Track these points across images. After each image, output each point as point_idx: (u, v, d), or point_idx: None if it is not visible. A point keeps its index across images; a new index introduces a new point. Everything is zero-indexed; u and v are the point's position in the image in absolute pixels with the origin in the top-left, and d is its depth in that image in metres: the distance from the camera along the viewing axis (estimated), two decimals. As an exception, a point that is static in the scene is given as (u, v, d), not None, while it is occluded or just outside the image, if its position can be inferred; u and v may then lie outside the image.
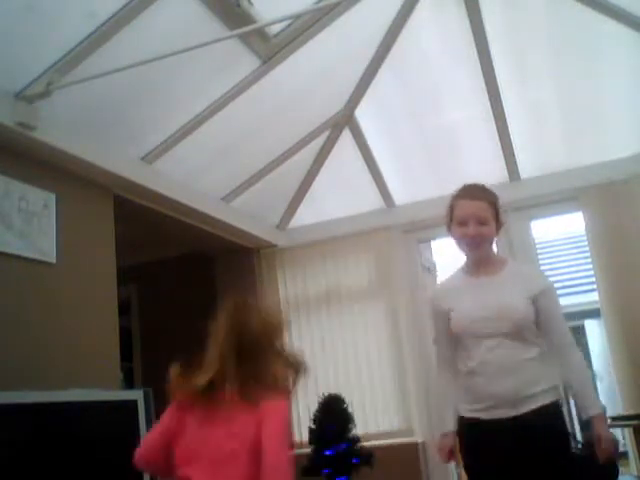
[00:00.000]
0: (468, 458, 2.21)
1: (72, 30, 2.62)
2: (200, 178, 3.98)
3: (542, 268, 6.23)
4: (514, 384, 2.09)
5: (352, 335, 4.73)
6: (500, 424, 2.10)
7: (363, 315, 4.74)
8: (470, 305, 2.20)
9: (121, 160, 3.39)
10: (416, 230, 4.79)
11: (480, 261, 2.27)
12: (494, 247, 2.34)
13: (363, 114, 4.31)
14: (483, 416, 2.14)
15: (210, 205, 4.19)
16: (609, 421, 4.33)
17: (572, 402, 8.13)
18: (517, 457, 2.06)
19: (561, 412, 2.18)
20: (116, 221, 3.52)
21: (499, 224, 2.27)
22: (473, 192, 2.29)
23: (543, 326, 2.18)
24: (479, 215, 2.21)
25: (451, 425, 2.30)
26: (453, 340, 2.28)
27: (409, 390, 4.50)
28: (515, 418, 2.09)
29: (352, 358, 4.70)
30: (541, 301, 2.18)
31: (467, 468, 2.21)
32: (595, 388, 2.14)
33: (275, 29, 3.18)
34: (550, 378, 2.16)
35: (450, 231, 2.35)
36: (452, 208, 2.32)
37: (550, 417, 2.12)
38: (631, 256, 4.09)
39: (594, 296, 4.65)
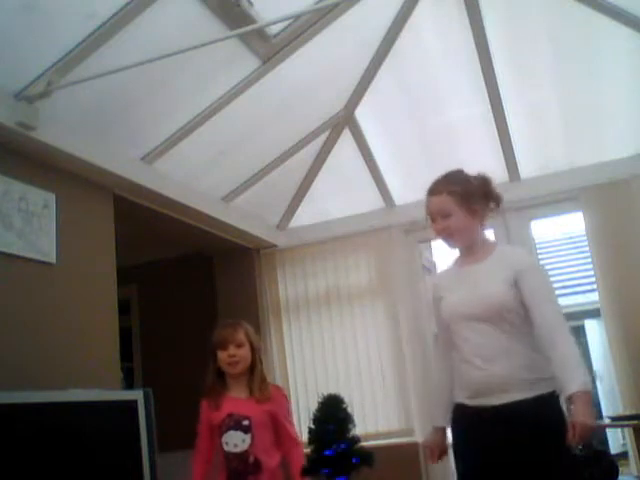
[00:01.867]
0: (455, 443, 2.21)
1: (72, 30, 2.62)
2: (200, 178, 3.98)
3: (542, 268, 6.23)
4: (496, 372, 2.04)
5: (352, 335, 4.73)
6: (483, 411, 2.06)
7: (363, 315, 4.74)
8: (456, 295, 2.23)
9: (121, 160, 3.39)
10: (416, 230, 4.79)
11: (464, 251, 2.28)
12: (480, 234, 2.30)
13: (363, 114, 4.31)
14: (468, 402, 2.13)
15: (210, 205, 4.20)
16: (607, 421, 4.34)
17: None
18: (499, 448, 1.99)
19: (550, 406, 2.03)
20: (116, 221, 3.52)
21: (474, 208, 2.22)
22: (434, 187, 2.29)
23: (528, 307, 2.09)
24: (440, 209, 2.21)
25: (439, 421, 2.28)
26: (447, 328, 2.28)
27: (409, 390, 4.50)
28: (495, 407, 2.03)
29: (352, 358, 4.70)
30: (522, 281, 2.10)
31: (454, 453, 2.24)
32: (582, 367, 1.97)
33: (275, 29, 3.18)
34: (539, 368, 2.05)
35: None
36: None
37: (533, 410, 1.99)
38: (631, 256, 4.09)
39: (594, 296, 4.65)
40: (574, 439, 1.87)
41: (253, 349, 2.58)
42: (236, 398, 2.55)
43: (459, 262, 2.32)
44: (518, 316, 2.10)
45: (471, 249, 2.25)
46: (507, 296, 2.09)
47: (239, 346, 2.54)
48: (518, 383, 2.03)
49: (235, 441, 2.44)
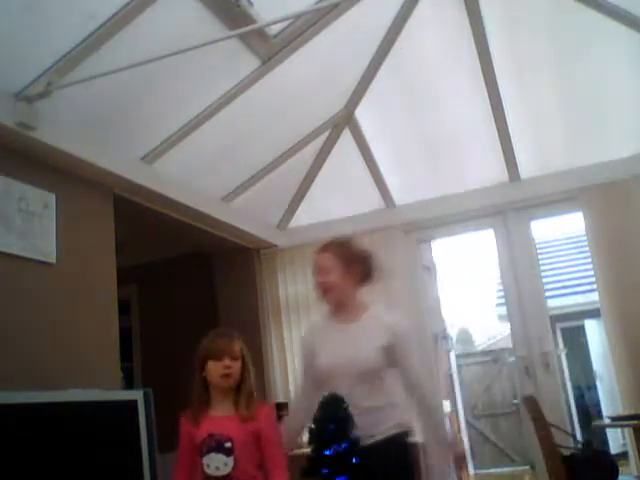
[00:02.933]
0: None
1: (72, 30, 2.62)
2: (200, 178, 3.98)
3: (542, 268, 6.23)
4: (366, 421, 2.30)
5: (352, 335, 4.72)
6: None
7: (363, 315, 4.74)
8: (330, 351, 2.43)
9: (121, 160, 3.39)
10: (416, 230, 4.80)
11: (336, 307, 2.49)
12: (354, 295, 2.50)
13: (363, 114, 4.32)
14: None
15: (210, 205, 4.20)
16: (607, 421, 4.34)
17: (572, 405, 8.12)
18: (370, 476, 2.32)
19: (403, 443, 2.40)
20: (116, 221, 3.52)
21: (352, 272, 2.47)
22: (323, 246, 2.55)
23: (398, 369, 2.39)
24: (324, 265, 2.48)
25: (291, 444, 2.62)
26: (316, 379, 2.50)
27: (409, 390, 4.49)
28: (366, 447, 2.33)
29: (352, 358, 4.69)
30: (396, 347, 2.37)
31: None
32: (443, 421, 2.51)
33: (275, 29, 3.18)
34: (398, 416, 2.39)
35: None
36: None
37: (390, 448, 2.35)
38: (631, 256, 4.09)
39: (594, 296, 4.65)
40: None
41: (244, 364, 2.41)
42: (219, 417, 2.35)
43: (333, 318, 2.51)
44: (383, 376, 2.38)
45: (343, 307, 2.47)
46: (381, 360, 2.35)
47: (234, 359, 2.37)
48: (384, 429, 2.36)
49: (217, 464, 2.28)
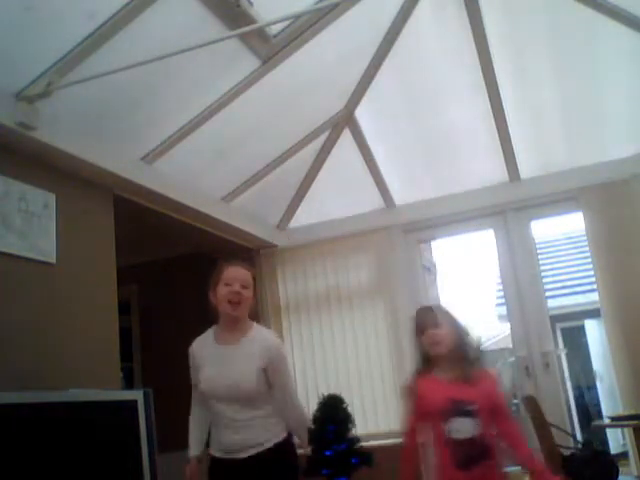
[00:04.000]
0: None
1: (72, 30, 2.62)
2: (200, 178, 3.99)
3: (542, 268, 6.21)
4: (242, 438, 2.49)
5: (352, 335, 4.73)
6: (234, 462, 2.51)
7: (363, 315, 4.75)
8: (213, 372, 2.54)
9: (121, 160, 3.39)
10: (416, 230, 4.80)
11: (228, 325, 2.59)
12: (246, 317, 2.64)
13: (363, 114, 4.32)
14: (222, 455, 2.55)
15: (210, 205, 4.20)
16: (607, 421, 4.34)
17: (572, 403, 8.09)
18: None
19: (284, 450, 2.57)
20: (116, 221, 3.52)
21: (253, 299, 2.66)
22: (241, 262, 2.73)
23: (272, 386, 2.54)
24: (245, 279, 2.62)
25: (193, 450, 2.66)
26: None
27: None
28: (244, 459, 2.50)
29: (352, 358, 4.70)
30: (271, 368, 2.52)
31: None
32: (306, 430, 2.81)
33: (275, 29, 3.18)
34: (275, 429, 2.55)
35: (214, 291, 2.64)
36: (220, 271, 2.67)
37: (272, 457, 2.51)
38: (631, 256, 4.09)
39: (594, 296, 4.65)
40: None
41: (457, 331, 2.49)
42: (451, 379, 2.41)
43: (219, 337, 2.61)
44: (262, 395, 2.53)
45: (235, 325, 2.59)
46: (259, 383, 2.50)
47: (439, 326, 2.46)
48: (258, 443, 2.51)
49: (460, 428, 2.34)
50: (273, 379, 2.54)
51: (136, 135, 3.39)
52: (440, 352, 2.43)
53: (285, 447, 2.58)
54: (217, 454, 2.57)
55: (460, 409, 2.32)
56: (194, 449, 2.67)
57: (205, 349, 2.61)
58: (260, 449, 2.51)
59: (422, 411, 2.45)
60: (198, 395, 2.65)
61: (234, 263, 2.69)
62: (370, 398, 4.58)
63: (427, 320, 2.50)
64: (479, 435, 2.31)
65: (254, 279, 2.69)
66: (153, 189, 3.63)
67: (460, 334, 2.47)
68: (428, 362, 2.49)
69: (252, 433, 2.51)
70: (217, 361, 2.55)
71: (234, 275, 2.61)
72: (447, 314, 2.53)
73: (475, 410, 2.32)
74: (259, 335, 2.62)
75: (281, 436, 2.56)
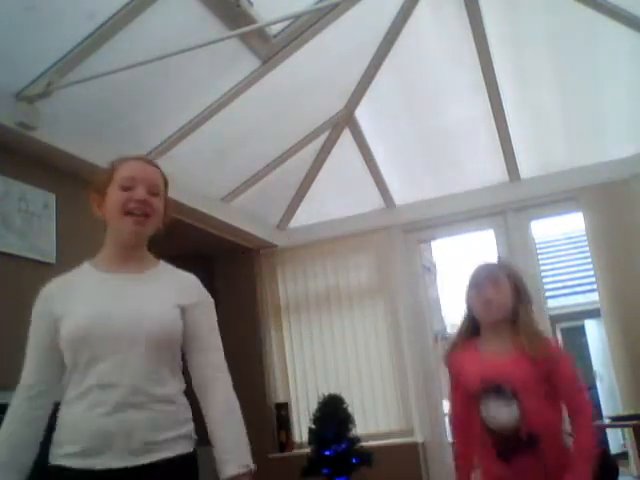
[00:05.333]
0: None
1: (72, 30, 2.62)
2: (200, 178, 3.98)
3: (542, 268, 6.22)
4: (138, 423, 1.45)
5: (352, 335, 4.73)
6: (103, 476, 1.42)
7: (363, 315, 4.75)
8: (91, 308, 1.56)
9: (121, 160, 3.38)
10: (416, 230, 4.80)
11: (122, 251, 1.73)
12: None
13: (363, 114, 4.32)
14: (75, 464, 1.45)
15: (210, 205, 4.19)
16: (607, 421, 4.34)
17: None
18: None
19: (196, 468, 1.58)
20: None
21: (166, 213, 1.80)
22: (147, 159, 1.87)
23: (188, 347, 1.63)
24: (153, 180, 1.73)
25: None
26: (56, 360, 1.63)
27: (409, 390, 4.50)
28: (128, 470, 1.43)
29: (352, 358, 4.70)
30: (193, 314, 1.64)
31: None
32: (246, 439, 1.59)
33: (275, 29, 3.18)
34: (184, 417, 1.57)
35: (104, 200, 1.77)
36: (112, 171, 1.78)
37: (179, 474, 1.52)
38: (631, 256, 4.09)
39: (594, 296, 4.65)
40: None
41: (518, 292, 1.96)
42: (493, 353, 1.94)
43: (108, 263, 1.73)
44: (174, 354, 1.60)
45: (133, 253, 1.72)
46: (176, 324, 1.59)
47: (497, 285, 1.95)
48: (160, 440, 1.48)
49: (499, 412, 1.87)
50: (199, 332, 1.63)
51: (136, 135, 3.38)
52: (490, 317, 1.95)
53: (192, 464, 1.56)
54: (67, 461, 1.46)
55: (493, 390, 1.88)
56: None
57: (77, 284, 1.69)
58: (160, 456, 1.46)
59: (462, 389, 2.01)
60: (27, 378, 1.67)
61: (134, 157, 1.83)
62: (370, 398, 4.58)
63: (483, 276, 1.99)
64: (520, 421, 1.85)
65: (166, 184, 1.81)
66: (153, 189, 3.62)
67: (522, 300, 1.97)
68: (475, 329, 2.01)
69: (148, 417, 1.47)
70: (102, 294, 1.61)
71: (137, 173, 1.72)
72: (513, 274, 2.01)
73: (513, 391, 1.86)
74: (173, 271, 1.80)
75: (189, 441, 1.56)
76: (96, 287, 1.64)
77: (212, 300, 1.73)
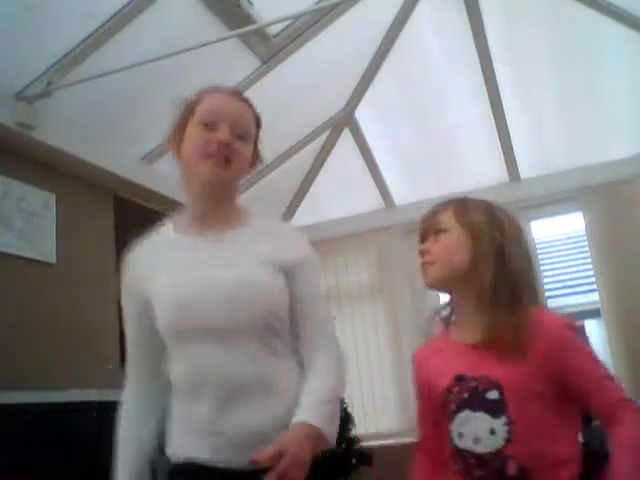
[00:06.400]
0: None
1: (72, 30, 2.62)
2: (200, 178, 3.98)
3: (542, 268, 6.21)
4: (257, 415, 1.22)
5: (352, 335, 4.73)
6: (232, 476, 1.20)
7: (363, 315, 4.74)
8: (183, 280, 1.29)
9: (121, 160, 3.39)
10: (416, 230, 4.79)
11: (214, 202, 1.40)
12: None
13: (363, 114, 4.32)
14: (203, 460, 1.23)
15: (210, 205, 4.19)
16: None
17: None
18: None
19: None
20: (116, 221, 3.52)
21: (255, 151, 1.50)
22: (235, 91, 1.52)
23: (295, 315, 1.33)
24: (240, 114, 1.43)
25: None
26: (157, 343, 1.36)
27: (409, 390, 4.49)
28: (242, 473, 1.18)
29: (352, 358, 4.69)
30: (296, 277, 1.34)
31: None
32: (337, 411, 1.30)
33: (275, 29, 3.18)
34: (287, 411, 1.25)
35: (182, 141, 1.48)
36: (194, 103, 1.48)
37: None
38: (631, 256, 4.09)
39: (594, 296, 4.65)
40: (278, 470, 1.13)
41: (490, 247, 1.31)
42: (472, 343, 1.27)
43: (185, 226, 1.41)
44: (283, 326, 1.31)
45: (219, 205, 1.40)
46: (282, 291, 1.30)
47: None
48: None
49: (475, 430, 1.23)
50: (304, 294, 1.33)
51: (136, 135, 3.38)
52: (426, 279, 1.37)
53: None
54: (184, 452, 1.25)
55: (471, 394, 1.24)
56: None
57: (158, 255, 1.40)
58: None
59: (427, 398, 1.38)
60: (135, 366, 1.47)
61: (221, 90, 1.50)
62: (370, 398, 4.58)
63: (425, 223, 1.45)
64: (507, 446, 1.19)
65: (258, 125, 1.50)
66: (153, 189, 3.63)
67: (505, 255, 1.28)
68: (451, 312, 1.39)
69: (267, 406, 1.23)
70: (191, 258, 1.33)
71: (222, 109, 1.41)
72: (470, 210, 1.38)
73: (500, 399, 1.20)
74: (268, 222, 1.47)
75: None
76: (173, 257, 1.36)
77: (317, 259, 1.45)
